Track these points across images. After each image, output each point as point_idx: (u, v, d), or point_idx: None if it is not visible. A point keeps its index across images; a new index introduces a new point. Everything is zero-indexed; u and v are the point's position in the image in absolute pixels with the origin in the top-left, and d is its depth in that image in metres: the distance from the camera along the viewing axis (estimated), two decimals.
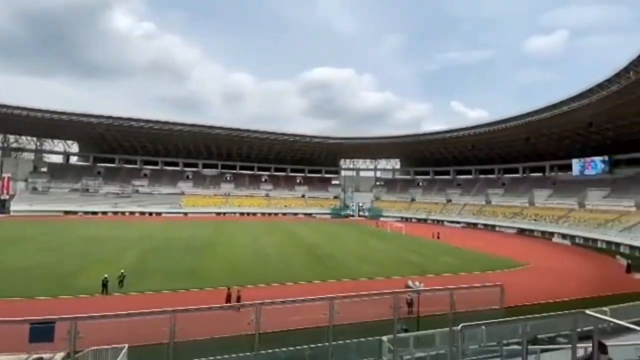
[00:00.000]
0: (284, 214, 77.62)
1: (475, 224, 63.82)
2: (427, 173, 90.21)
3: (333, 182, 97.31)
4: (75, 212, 63.70)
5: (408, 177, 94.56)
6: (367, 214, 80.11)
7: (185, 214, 71.01)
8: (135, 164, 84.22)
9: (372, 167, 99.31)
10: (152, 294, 18.35)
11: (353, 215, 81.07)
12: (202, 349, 7.92)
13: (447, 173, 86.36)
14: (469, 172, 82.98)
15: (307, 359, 8.29)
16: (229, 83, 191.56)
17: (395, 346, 5.04)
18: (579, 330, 4.01)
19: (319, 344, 6.82)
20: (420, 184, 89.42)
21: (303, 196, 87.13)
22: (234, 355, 6.98)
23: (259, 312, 3.78)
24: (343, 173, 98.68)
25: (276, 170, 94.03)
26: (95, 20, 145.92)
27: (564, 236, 47.19)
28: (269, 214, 76.52)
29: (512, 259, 31.57)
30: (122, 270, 19.33)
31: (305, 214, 78.41)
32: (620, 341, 4.81)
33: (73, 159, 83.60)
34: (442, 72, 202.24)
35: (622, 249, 37.60)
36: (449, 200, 76.63)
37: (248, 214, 75.37)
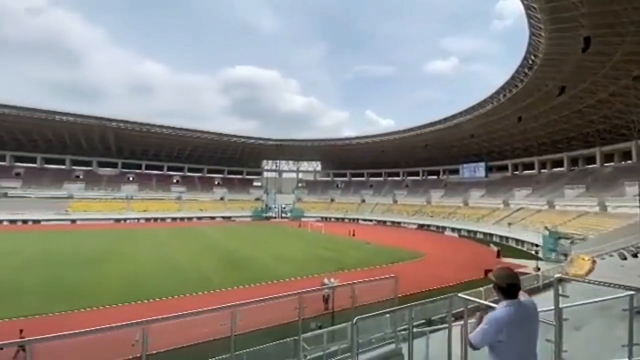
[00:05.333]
0: (200, 218, 72.30)
1: (384, 221, 70.23)
2: (344, 175, 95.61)
3: (255, 183, 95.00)
4: None
5: (328, 179, 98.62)
6: (289, 215, 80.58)
7: (74, 221, 59.90)
8: (4, 160, 67.67)
9: (294, 168, 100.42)
10: (23, 320, 14.88)
11: (275, 217, 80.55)
12: None
13: (362, 175, 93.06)
14: (379, 175, 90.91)
15: None
16: (138, 72, 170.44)
17: (299, 344, 5.10)
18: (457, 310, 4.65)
19: (225, 355, 6.45)
20: (339, 185, 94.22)
21: (222, 198, 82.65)
22: None
23: (146, 331, 3.33)
24: (265, 174, 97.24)
25: (190, 170, 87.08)
26: None
27: (453, 229, 55.60)
28: (182, 219, 70.24)
29: (413, 250, 35.70)
30: None
31: (224, 218, 74.52)
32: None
33: None
34: (357, 82, 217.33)
35: (494, 239, 46.12)
36: (363, 200, 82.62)
37: (156, 219, 67.81)
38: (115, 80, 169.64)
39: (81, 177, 73.22)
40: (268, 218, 79.33)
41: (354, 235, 48.73)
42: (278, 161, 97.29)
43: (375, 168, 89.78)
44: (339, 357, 6.90)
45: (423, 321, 11.71)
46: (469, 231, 52.91)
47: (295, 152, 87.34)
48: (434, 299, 4.73)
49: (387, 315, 5.20)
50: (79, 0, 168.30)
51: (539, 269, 25.07)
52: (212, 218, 73.10)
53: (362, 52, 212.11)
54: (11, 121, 57.47)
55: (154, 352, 3.44)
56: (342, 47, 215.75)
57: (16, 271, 23.43)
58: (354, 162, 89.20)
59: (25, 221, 56.16)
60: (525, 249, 39.16)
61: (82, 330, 2.95)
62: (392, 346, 5.28)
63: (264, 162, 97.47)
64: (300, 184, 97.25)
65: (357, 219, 74.01)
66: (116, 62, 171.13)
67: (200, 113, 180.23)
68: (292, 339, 9.45)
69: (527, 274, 22.52)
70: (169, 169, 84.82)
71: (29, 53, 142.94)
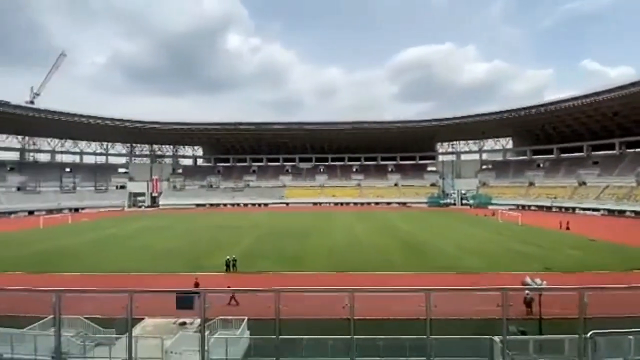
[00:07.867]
0: (377, 203, 76.92)
1: (621, 211, 50.81)
2: (549, 151, 75.65)
3: (429, 168, 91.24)
4: (203, 205, 77.27)
5: (524, 157, 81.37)
6: (471, 202, 72.47)
7: (287, 204, 77.77)
8: (245, 162, 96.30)
9: (476, 148, 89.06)
10: (268, 274, 20.89)
11: (454, 204, 74.60)
12: (303, 328, 8.68)
13: (579, 149, 70.75)
14: (610, 147, 66.15)
15: (407, 350, 8.11)
16: (321, 79, 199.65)
17: (505, 347, 4.53)
18: None
19: (420, 336, 6.57)
20: (541, 164, 75.74)
21: (396, 185, 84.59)
22: (335, 337, 7.34)
23: (353, 298, 3.93)
24: (440, 158, 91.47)
25: (366, 159, 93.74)
26: (215, 43, 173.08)
27: None
28: (361, 203, 77.03)
29: None
30: (234, 256, 22.27)
31: (399, 203, 76.06)
32: None
33: (200, 161, 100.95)
34: (562, 27, 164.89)
35: None
36: (583, 183, 62.81)
37: (341, 203, 77.60)
38: (306, 90, 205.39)
39: (289, 170, 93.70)
40: (446, 205, 74.24)
41: (567, 228, 38.11)
42: (455, 142, 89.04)
43: (601, 138, 66.14)
44: None
45: None
46: None
47: (477, 129, 76.69)
48: None
49: (631, 336, 3.89)
50: (275, 33, 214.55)
51: None
52: (388, 204, 76.03)
53: None
54: (247, 133, 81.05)
55: (360, 317, 4.04)
56: None
57: (258, 240, 33.02)
58: (565, 133, 69.07)
59: (259, 204, 78.06)
60: None
61: (308, 288, 3.88)
62: None
63: (438, 144, 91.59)
64: (484, 166, 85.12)
65: (573, 208, 57.17)
66: (306, 75, 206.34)
67: (373, 104, 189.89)
68: (487, 337, 8.58)
69: None
70: (349, 159, 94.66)
71: (254, 81, 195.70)
